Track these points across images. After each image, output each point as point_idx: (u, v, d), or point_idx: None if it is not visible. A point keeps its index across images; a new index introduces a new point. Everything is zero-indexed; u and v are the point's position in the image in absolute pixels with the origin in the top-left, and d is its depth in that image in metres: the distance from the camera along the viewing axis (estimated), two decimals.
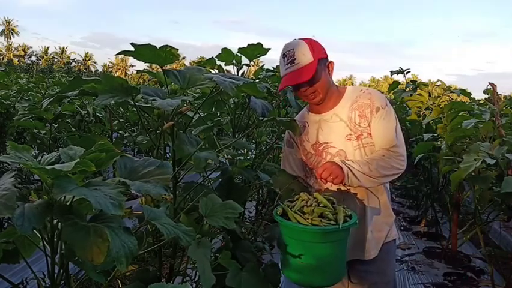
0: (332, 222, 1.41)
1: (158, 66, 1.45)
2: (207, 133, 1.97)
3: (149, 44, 1.30)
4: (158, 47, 1.32)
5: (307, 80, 1.58)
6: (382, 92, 1.89)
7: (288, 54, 1.61)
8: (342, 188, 1.65)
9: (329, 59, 1.68)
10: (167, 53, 1.34)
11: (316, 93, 1.63)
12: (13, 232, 1.02)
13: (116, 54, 1.39)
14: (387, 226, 1.74)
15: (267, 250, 2.24)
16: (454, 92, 4.43)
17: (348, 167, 1.55)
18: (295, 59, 1.59)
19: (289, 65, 1.60)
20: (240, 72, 2.21)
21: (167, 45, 1.32)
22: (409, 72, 5.11)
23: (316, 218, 1.42)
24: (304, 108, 1.84)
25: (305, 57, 1.59)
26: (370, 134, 1.63)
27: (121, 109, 4.74)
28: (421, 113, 4.05)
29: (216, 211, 1.34)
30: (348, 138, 1.65)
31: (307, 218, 1.42)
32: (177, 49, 1.33)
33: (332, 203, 1.50)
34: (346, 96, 1.69)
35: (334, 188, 1.65)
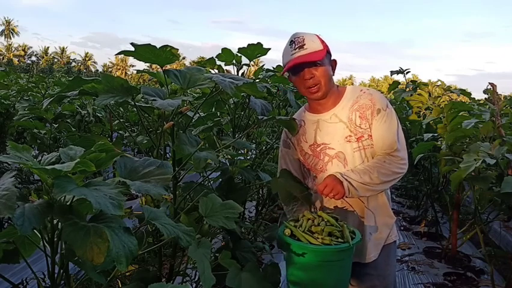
0: (339, 240, 1.44)
1: (158, 66, 1.45)
2: (207, 133, 1.97)
3: (149, 44, 1.30)
4: (158, 47, 1.32)
5: (315, 60, 1.55)
6: (382, 92, 1.88)
7: (297, 41, 1.58)
8: (339, 203, 1.65)
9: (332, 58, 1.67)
10: (167, 53, 1.34)
11: (319, 86, 1.59)
12: (13, 232, 1.02)
13: (116, 54, 1.39)
14: (388, 228, 1.71)
15: (267, 250, 2.24)
16: (454, 92, 4.43)
17: (349, 181, 1.52)
18: (304, 44, 1.57)
19: (297, 49, 1.57)
20: (240, 72, 2.21)
21: (167, 45, 1.32)
22: (409, 72, 5.10)
23: (326, 237, 1.43)
24: (302, 107, 1.81)
25: (314, 44, 1.58)
26: (371, 135, 1.61)
27: (121, 109, 4.75)
28: (421, 113, 4.05)
29: (216, 211, 1.34)
30: (348, 139, 1.62)
31: (318, 238, 1.43)
32: (177, 49, 1.33)
33: (335, 220, 1.51)
34: (346, 97, 1.66)
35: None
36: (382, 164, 1.57)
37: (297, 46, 1.58)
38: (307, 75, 1.58)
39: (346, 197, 1.55)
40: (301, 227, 1.48)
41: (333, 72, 1.66)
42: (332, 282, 1.47)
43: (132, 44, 1.31)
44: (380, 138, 1.60)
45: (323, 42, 1.60)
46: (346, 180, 1.52)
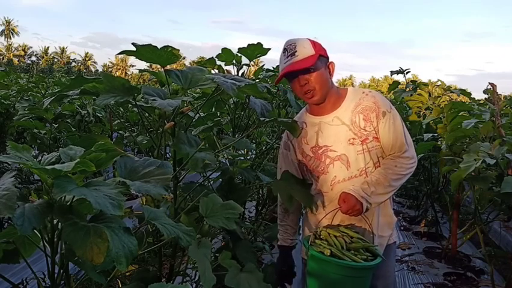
0: (367, 253, 1.52)
1: (158, 66, 1.45)
2: (207, 133, 1.97)
3: (150, 44, 1.30)
4: (159, 47, 1.32)
5: (306, 67, 1.55)
6: (382, 93, 1.88)
7: (289, 48, 1.60)
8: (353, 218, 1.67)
9: (330, 60, 1.66)
10: (169, 53, 1.35)
11: (315, 91, 1.59)
12: (13, 232, 1.02)
13: (117, 54, 1.39)
14: (390, 228, 1.73)
15: (267, 250, 2.24)
16: (454, 92, 4.44)
17: (368, 201, 1.55)
18: (296, 51, 1.57)
19: (289, 57, 1.58)
20: (240, 72, 2.21)
21: (168, 46, 1.32)
22: (409, 72, 5.11)
23: (364, 253, 1.51)
24: (303, 109, 1.81)
25: (306, 49, 1.57)
26: (376, 137, 1.61)
27: (121, 109, 4.75)
28: (421, 113, 4.05)
29: (216, 211, 1.34)
30: (351, 142, 1.61)
31: (356, 255, 1.49)
32: (178, 49, 1.33)
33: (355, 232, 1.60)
34: (348, 99, 1.65)
35: (336, 191, 1.64)
36: (393, 169, 1.59)
37: (289, 54, 1.59)
38: (301, 81, 1.59)
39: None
40: (336, 246, 1.51)
41: (331, 75, 1.65)
42: None
43: (134, 44, 1.31)
44: (389, 142, 1.61)
45: (315, 46, 1.60)
46: (367, 201, 1.56)
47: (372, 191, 1.56)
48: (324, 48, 1.64)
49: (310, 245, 1.54)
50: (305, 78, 1.58)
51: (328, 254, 1.48)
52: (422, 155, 3.16)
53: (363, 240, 1.56)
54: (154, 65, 1.55)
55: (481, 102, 4.88)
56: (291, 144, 1.76)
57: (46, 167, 0.85)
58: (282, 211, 1.83)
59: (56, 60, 72.17)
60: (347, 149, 1.62)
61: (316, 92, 1.60)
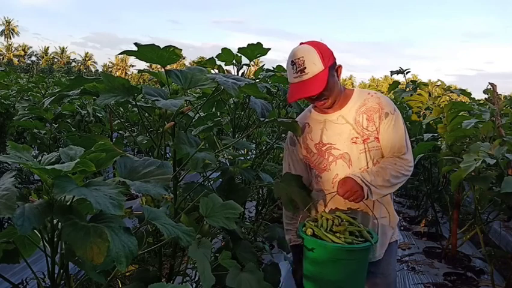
0: (360, 239, 1.50)
1: (158, 66, 1.45)
2: (207, 133, 1.97)
3: (152, 44, 1.30)
4: (161, 47, 1.32)
5: (318, 92, 1.55)
6: (382, 92, 1.88)
7: (298, 63, 1.54)
8: (343, 205, 1.66)
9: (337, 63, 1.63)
10: (171, 53, 1.34)
11: (326, 100, 1.61)
12: (13, 232, 1.02)
13: (119, 54, 1.39)
14: (391, 228, 1.74)
15: (267, 250, 2.24)
16: (454, 92, 4.44)
17: (368, 186, 1.55)
18: (305, 68, 1.52)
19: (298, 73, 1.54)
20: (240, 72, 2.21)
21: (170, 46, 1.32)
22: (409, 72, 5.12)
23: (348, 236, 1.49)
24: (308, 107, 1.81)
25: (316, 66, 1.52)
26: (377, 138, 1.62)
27: (121, 109, 4.75)
28: (421, 113, 4.05)
29: (216, 211, 1.34)
30: (354, 141, 1.63)
31: (340, 237, 1.48)
32: (180, 49, 1.33)
33: (353, 218, 1.59)
34: (353, 99, 1.66)
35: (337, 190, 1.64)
36: (393, 166, 1.60)
37: (298, 69, 1.54)
38: (315, 101, 1.62)
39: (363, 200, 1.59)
40: (322, 227, 1.52)
41: (339, 78, 1.64)
42: (347, 280, 1.53)
43: (135, 44, 1.31)
44: (389, 142, 1.62)
45: (323, 59, 1.54)
46: (366, 185, 1.55)
47: (371, 179, 1.56)
48: (331, 53, 1.59)
49: (302, 226, 1.58)
50: (319, 99, 1.60)
51: (310, 234, 1.50)
52: (422, 155, 3.16)
53: (353, 224, 1.55)
54: (154, 65, 1.55)
55: (481, 102, 4.88)
56: (296, 139, 1.78)
57: (46, 167, 0.85)
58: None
59: (56, 60, 72.18)
60: (350, 147, 1.64)
61: (328, 101, 1.62)
